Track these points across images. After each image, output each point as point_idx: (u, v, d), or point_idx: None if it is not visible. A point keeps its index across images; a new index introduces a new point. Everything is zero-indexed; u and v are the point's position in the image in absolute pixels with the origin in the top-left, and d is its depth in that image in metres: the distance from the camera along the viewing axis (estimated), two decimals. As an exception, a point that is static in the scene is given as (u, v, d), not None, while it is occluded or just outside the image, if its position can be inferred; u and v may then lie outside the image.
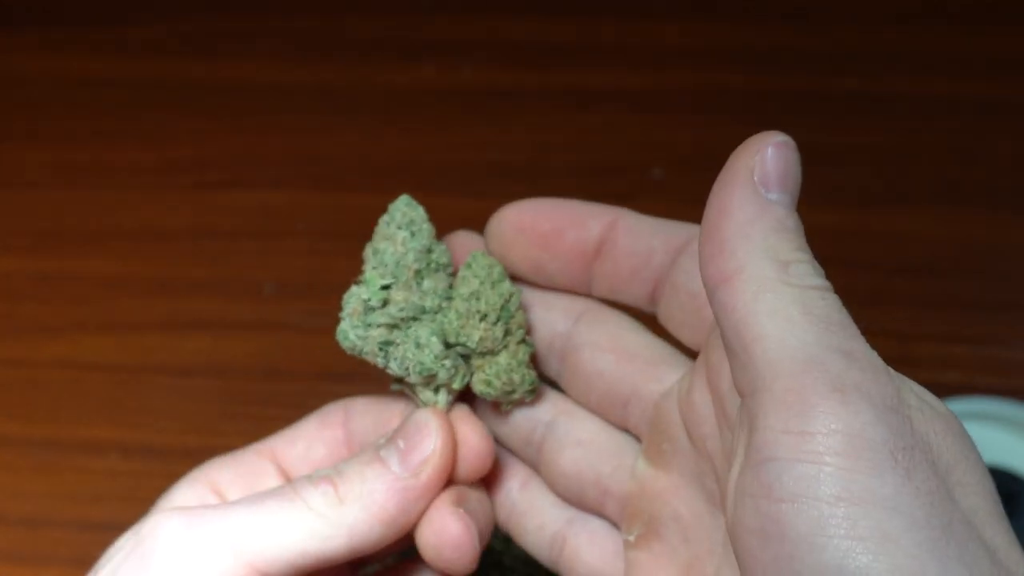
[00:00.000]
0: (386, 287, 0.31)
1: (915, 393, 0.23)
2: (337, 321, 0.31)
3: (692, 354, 0.30)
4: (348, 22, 0.70)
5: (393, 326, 0.31)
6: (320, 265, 0.59)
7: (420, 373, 0.31)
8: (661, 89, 0.65)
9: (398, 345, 0.31)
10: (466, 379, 0.32)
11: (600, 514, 0.32)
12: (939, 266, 0.57)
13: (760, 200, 0.24)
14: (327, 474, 0.30)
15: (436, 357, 0.31)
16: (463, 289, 0.32)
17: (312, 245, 0.60)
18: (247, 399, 0.55)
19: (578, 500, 0.32)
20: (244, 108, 0.66)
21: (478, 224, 0.34)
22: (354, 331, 0.31)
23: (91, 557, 0.31)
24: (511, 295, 0.32)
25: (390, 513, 0.30)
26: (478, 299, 0.31)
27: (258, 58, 0.68)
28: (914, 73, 0.64)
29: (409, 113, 0.65)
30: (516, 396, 0.32)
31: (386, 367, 0.31)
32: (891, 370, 0.23)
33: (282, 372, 0.56)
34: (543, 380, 0.33)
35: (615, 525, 0.32)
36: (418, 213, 0.32)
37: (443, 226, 0.33)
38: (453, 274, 0.32)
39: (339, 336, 0.31)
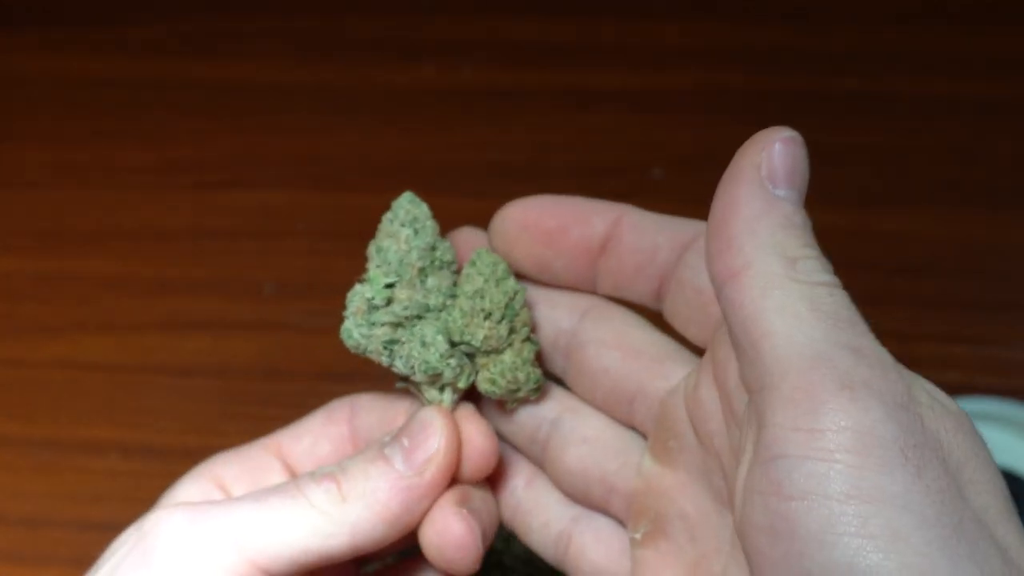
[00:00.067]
0: (390, 285, 0.31)
1: (926, 390, 0.23)
2: (339, 320, 0.31)
3: (698, 351, 0.30)
4: (348, 22, 0.70)
5: (397, 324, 0.31)
6: (320, 265, 0.59)
7: (425, 372, 0.31)
8: (661, 89, 0.65)
9: (403, 344, 0.31)
10: (471, 378, 0.32)
11: (606, 512, 0.32)
12: (939, 266, 0.57)
13: (767, 196, 0.24)
14: (331, 471, 0.30)
15: (441, 356, 0.31)
16: (467, 287, 0.31)
17: (312, 245, 0.60)
18: (247, 399, 0.55)
19: (584, 498, 0.32)
20: (244, 108, 0.66)
21: (479, 224, 0.33)
22: (358, 330, 0.31)
23: (91, 557, 0.31)
24: (515, 292, 0.31)
25: (393, 512, 0.30)
26: (482, 297, 0.31)
27: (258, 58, 0.68)
28: (914, 73, 0.64)
29: (409, 113, 0.65)
30: (521, 394, 0.32)
31: (391, 366, 0.31)
32: (901, 367, 0.23)
33: (282, 372, 0.56)
34: (548, 377, 0.33)
35: (621, 523, 0.32)
36: (422, 210, 0.32)
37: (443, 226, 0.33)
38: (457, 271, 0.32)
39: (343, 335, 0.31)
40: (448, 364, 0.31)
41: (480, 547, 0.30)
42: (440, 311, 0.31)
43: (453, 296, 0.32)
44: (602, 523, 0.32)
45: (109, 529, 0.31)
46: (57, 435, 0.55)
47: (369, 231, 0.32)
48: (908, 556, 0.20)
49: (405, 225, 0.31)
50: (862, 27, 0.66)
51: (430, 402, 0.32)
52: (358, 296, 0.31)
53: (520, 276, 0.32)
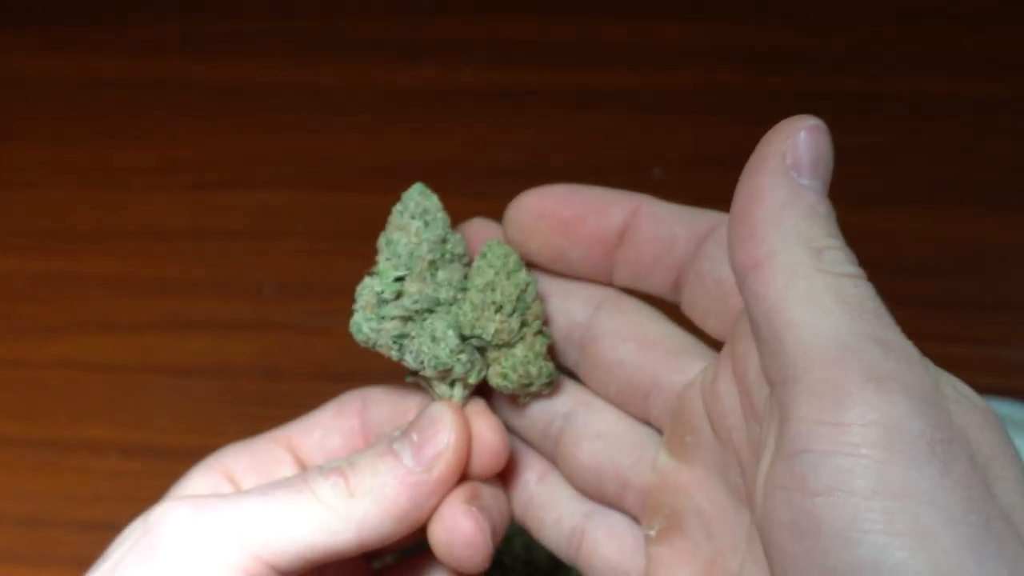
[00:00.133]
0: (400, 279, 0.30)
1: (952, 385, 0.23)
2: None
3: (715, 344, 0.30)
4: (348, 22, 0.70)
5: (407, 318, 0.31)
6: (320, 265, 0.59)
7: (435, 367, 0.31)
8: (661, 89, 0.65)
9: (413, 338, 0.31)
10: (482, 373, 0.31)
11: (620, 508, 0.31)
12: (939, 266, 0.57)
13: (792, 185, 0.24)
14: (338, 465, 0.30)
15: (452, 351, 0.31)
16: (478, 280, 0.31)
17: (312, 245, 0.60)
18: (247, 399, 0.55)
19: (597, 493, 0.32)
20: (244, 108, 0.66)
21: (479, 224, 0.33)
22: (367, 324, 0.30)
23: (91, 557, 0.31)
24: (527, 285, 0.31)
25: (401, 508, 0.29)
26: (493, 290, 0.31)
27: (258, 58, 0.68)
28: (914, 73, 0.64)
29: (409, 113, 0.65)
30: (533, 388, 0.32)
31: (401, 360, 0.31)
32: (928, 361, 0.23)
33: (282, 372, 0.56)
34: (561, 371, 0.32)
35: (635, 519, 0.31)
36: (432, 202, 0.31)
37: (445, 226, 0.33)
38: (468, 264, 0.32)
39: (352, 328, 0.31)
40: (459, 359, 0.31)
41: (490, 545, 0.30)
42: (451, 305, 0.31)
43: (464, 289, 0.31)
44: (616, 519, 0.32)
45: (109, 529, 0.31)
46: (57, 435, 0.55)
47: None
48: (935, 554, 0.20)
49: (415, 217, 0.31)
50: (862, 27, 0.66)
51: (440, 397, 0.31)
52: (367, 289, 0.31)
53: (535, 266, 0.32)
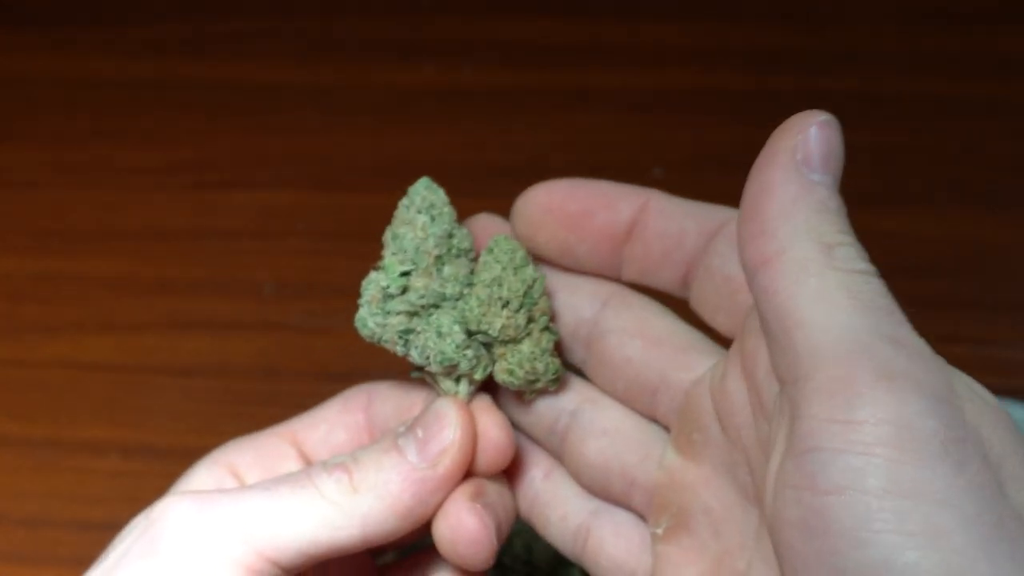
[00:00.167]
0: (406, 273, 0.30)
1: (965, 384, 0.23)
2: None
3: (724, 340, 0.30)
4: (348, 22, 0.70)
5: (413, 313, 0.30)
6: (320, 265, 0.59)
7: (441, 363, 0.30)
8: (661, 89, 0.65)
9: (419, 333, 0.30)
10: (488, 369, 0.31)
11: (626, 506, 0.31)
12: (939, 266, 0.56)
13: (803, 180, 0.23)
14: (343, 461, 0.30)
15: (458, 347, 0.30)
16: (484, 275, 0.31)
17: (312, 245, 0.60)
18: (247, 399, 0.55)
19: (603, 491, 0.31)
20: (244, 108, 0.66)
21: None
22: (373, 319, 0.30)
23: (91, 557, 0.31)
24: (534, 281, 0.31)
25: (405, 504, 0.29)
26: (500, 285, 0.30)
27: (258, 58, 0.68)
28: (914, 73, 0.64)
29: (409, 113, 0.65)
30: (539, 385, 0.31)
31: (406, 355, 0.31)
32: (940, 359, 0.22)
33: (282, 372, 0.56)
34: (567, 368, 0.32)
35: (641, 517, 0.31)
36: (438, 196, 0.31)
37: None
38: (475, 260, 0.31)
39: (357, 323, 0.30)
40: (464, 355, 0.30)
41: (494, 543, 0.30)
42: (457, 300, 0.31)
43: (470, 285, 0.31)
44: (622, 517, 0.31)
45: (109, 529, 0.31)
46: (57, 435, 0.55)
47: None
48: (947, 555, 0.20)
49: (422, 212, 0.31)
50: (862, 27, 0.66)
51: (445, 393, 0.31)
52: (373, 284, 0.30)
53: (543, 261, 0.32)
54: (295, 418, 0.34)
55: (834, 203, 0.24)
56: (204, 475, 0.32)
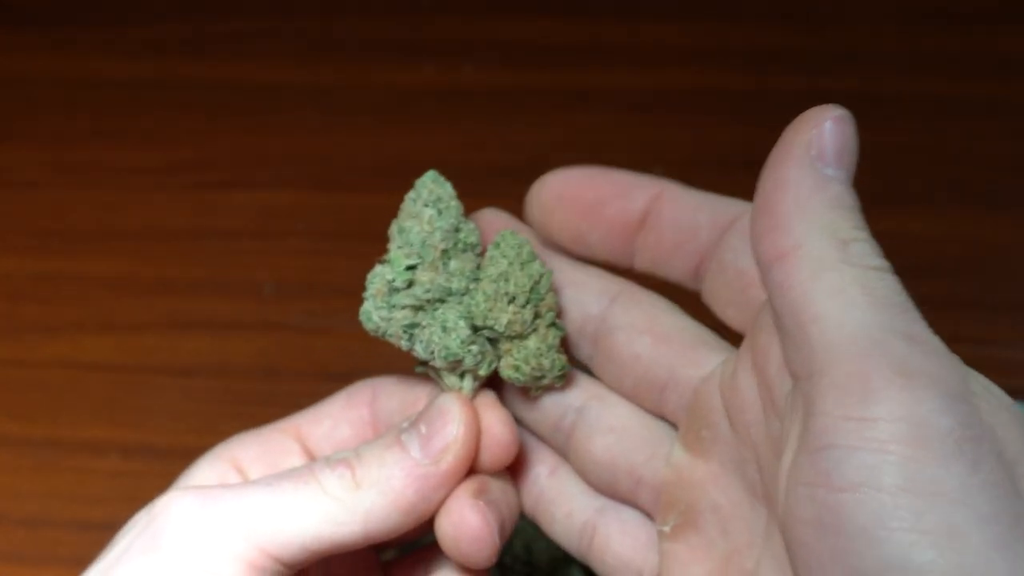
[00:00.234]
0: (411, 267, 0.30)
1: (979, 382, 0.22)
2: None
3: (734, 335, 0.29)
4: (348, 22, 0.70)
5: (418, 308, 0.30)
6: (320, 265, 0.59)
7: (446, 358, 0.30)
8: (661, 89, 0.65)
9: (424, 328, 0.30)
10: (493, 365, 0.31)
11: (632, 503, 0.31)
12: (939, 266, 0.56)
13: (817, 175, 0.23)
14: (345, 457, 0.29)
15: (463, 342, 0.30)
16: (491, 270, 0.30)
17: (312, 245, 0.60)
18: (247, 399, 0.55)
19: (610, 489, 0.31)
20: (244, 108, 0.66)
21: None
22: (377, 312, 0.30)
23: (91, 557, 0.31)
24: (541, 276, 0.30)
25: (408, 500, 0.29)
26: (506, 280, 0.30)
27: (259, 58, 0.68)
28: (914, 73, 0.64)
29: (409, 113, 0.65)
30: (546, 381, 0.31)
31: (410, 350, 0.30)
32: (956, 357, 0.22)
33: (282, 372, 0.56)
34: (574, 364, 0.32)
35: (648, 515, 0.31)
36: (445, 190, 0.31)
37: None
38: (481, 254, 0.31)
39: (362, 317, 0.30)
40: (469, 351, 0.30)
41: (497, 540, 0.30)
42: (463, 295, 0.30)
43: (476, 279, 0.31)
44: (628, 515, 0.31)
45: (109, 529, 0.31)
46: (57, 435, 0.55)
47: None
48: (964, 554, 0.20)
49: (428, 205, 0.30)
50: (862, 27, 0.66)
51: (450, 388, 0.31)
52: (378, 277, 0.30)
53: (556, 247, 0.31)
54: (299, 413, 0.34)
55: (849, 198, 0.23)
56: (207, 470, 0.32)
